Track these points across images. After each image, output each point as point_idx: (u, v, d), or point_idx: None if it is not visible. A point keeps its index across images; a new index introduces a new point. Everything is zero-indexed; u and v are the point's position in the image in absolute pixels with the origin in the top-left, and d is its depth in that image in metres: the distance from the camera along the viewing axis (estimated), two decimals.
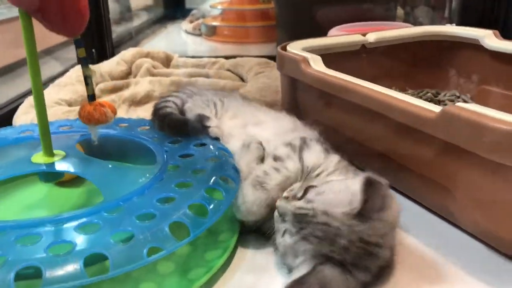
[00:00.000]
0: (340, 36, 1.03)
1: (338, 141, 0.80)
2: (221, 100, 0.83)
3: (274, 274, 0.58)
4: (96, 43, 1.47)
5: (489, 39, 0.97)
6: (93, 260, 0.49)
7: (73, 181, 0.74)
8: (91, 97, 0.61)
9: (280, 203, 0.57)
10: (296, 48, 0.92)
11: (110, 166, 0.64)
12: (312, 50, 0.92)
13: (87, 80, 0.60)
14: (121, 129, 0.78)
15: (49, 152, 0.64)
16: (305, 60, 0.84)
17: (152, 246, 0.49)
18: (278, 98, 1.05)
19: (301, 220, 0.53)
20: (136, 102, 1.16)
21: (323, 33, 1.11)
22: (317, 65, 0.84)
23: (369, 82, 0.73)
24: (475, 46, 1.01)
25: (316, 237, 0.51)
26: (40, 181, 0.74)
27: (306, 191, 0.56)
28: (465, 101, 1.00)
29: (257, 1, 2.02)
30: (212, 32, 2.09)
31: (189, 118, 0.76)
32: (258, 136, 0.72)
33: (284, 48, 0.94)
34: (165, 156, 0.67)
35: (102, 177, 0.61)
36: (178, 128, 0.75)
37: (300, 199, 0.56)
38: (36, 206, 0.70)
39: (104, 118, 0.61)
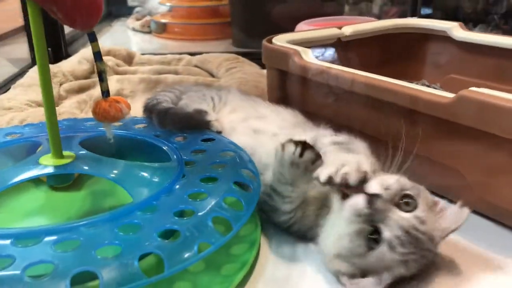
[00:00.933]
0: (318, 29, 1.05)
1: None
2: (217, 94, 0.82)
3: (304, 265, 0.59)
4: (51, 41, 1.39)
5: (456, 30, 1.04)
6: None
7: (71, 184, 0.70)
8: (106, 93, 0.58)
9: (383, 205, 0.50)
10: (281, 41, 0.93)
11: (126, 165, 0.61)
12: (295, 44, 0.93)
13: (102, 75, 0.57)
14: (118, 128, 0.74)
15: (59, 154, 0.60)
16: (297, 53, 0.85)
17: (201, 241, 0.48)
18: (258, 92, 1.06)
19: (416, 243, 0.50)
20: None
21: (278, 29, 1.10)
22: (308, 57, 0.85)
23: (361, 71, 0.76)
24: (442, 38, 1.07)
25: (415, 263, 0.51)
26: (34, 187, 0.70)
27: (408, 201, 0.52)
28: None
29: None
30: (162, 29, 2.04)
31: (192, 112, 0.75)
32: (264, 130, 0.71)
33: (269, 42, 0.94)
34: (178, 152, 0.65)
35: (124, 177, 0.58)
36: (183, 123, 0.73)
37: (405, 209, 0.51)
38: (37, 213, 0.65)
39: (120, 115, 0.58)
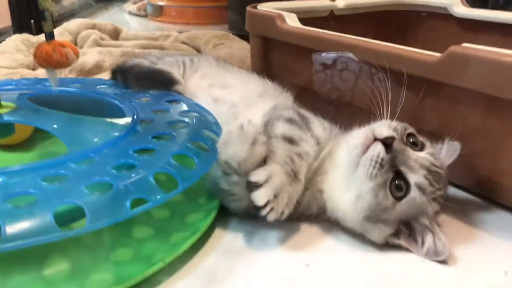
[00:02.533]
0: (309, 0, 0.98)
1: (314, 103, 0.75)
2: (190, 59, 0.76)
3: (263, 236, 0.52)
4: (34, 13, 1.33)
5: (457, 7, 0.97)
6: (65, 219, 0.41)
7: (21, 145, 0.64)
8: (49, 35, 0.52)
9: (400, 145, 0.48)
10: (267, 7, 0.86)
11: (72, 117, 0.54)
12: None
13: (45, 14, 0.51)
14: (77, 88, 0.68)
15: None
16: (281, 17, 0.78)
17: (136, 197, 0.41)
18: (244, 67, 0.99)
19: (438, 179, 0.48)
20: (85, 72, 1.05)
21: None
22: (293, 22, 0.78)
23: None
24: (441, 16, 1.00)
25: (441, 198, 0.49)
26: None
27: (414, 140, 0.50)
28: None
29: None
30: (159, 12, 1.99)
31: (157, 68, 0.69)
32: (224, 100, 0.66)
33: (254, 8, 0.87)
34: (134, 110, 0.59)
35: (64, 128, 0.51)
36: (147, 79, 0.67)
37: (416, 149, 0.49)
38: None
39: (65, 61, 0.52)
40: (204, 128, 0.56)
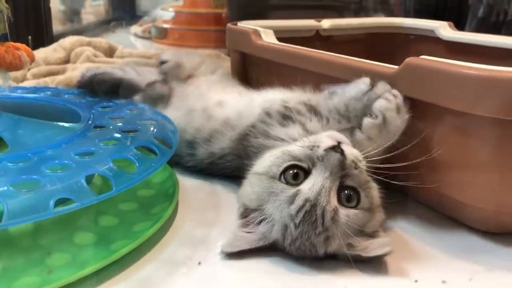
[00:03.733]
0: (294, 20, 0.98)
1: None
2: None
3: (211, 247, 0.50)
4: (33, 29, 1.36)
5: (444, 30, 0.95)
6: None
7: None
8: (4, 36, 0.52)
9: (336, 166, 0.45)
10: (247, 24, 0.86)
11: (23, 120, 0.54)
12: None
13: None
14: (43, 95, 0.68)
15: None
16: (256, 33, 0.78)
17: (61, 197, 0.40)
18: None
19: (309, 226, 0.45)
20: (72, 86, 1.06)
21: None
22: (268, 38, 0.78)
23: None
24: (429, 39, 0.98)
25: (292, 243, 0.46)
26: None
27: (350, 194, 0.46)
28: None
29: (209, 5, 1.97)
30: (163, 35, 2.01)
31: (122, 77, 0.69)
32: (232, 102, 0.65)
33: (234, 25, 0.87)
34: (91, 115, 0.58)
35: (10, 129, 0.51)
36: (107, 84, 0.67)
37: (341, 200, 0.46)
38: None
39: (18, 63, 0.52)
40: (158, 135, 0.55)
